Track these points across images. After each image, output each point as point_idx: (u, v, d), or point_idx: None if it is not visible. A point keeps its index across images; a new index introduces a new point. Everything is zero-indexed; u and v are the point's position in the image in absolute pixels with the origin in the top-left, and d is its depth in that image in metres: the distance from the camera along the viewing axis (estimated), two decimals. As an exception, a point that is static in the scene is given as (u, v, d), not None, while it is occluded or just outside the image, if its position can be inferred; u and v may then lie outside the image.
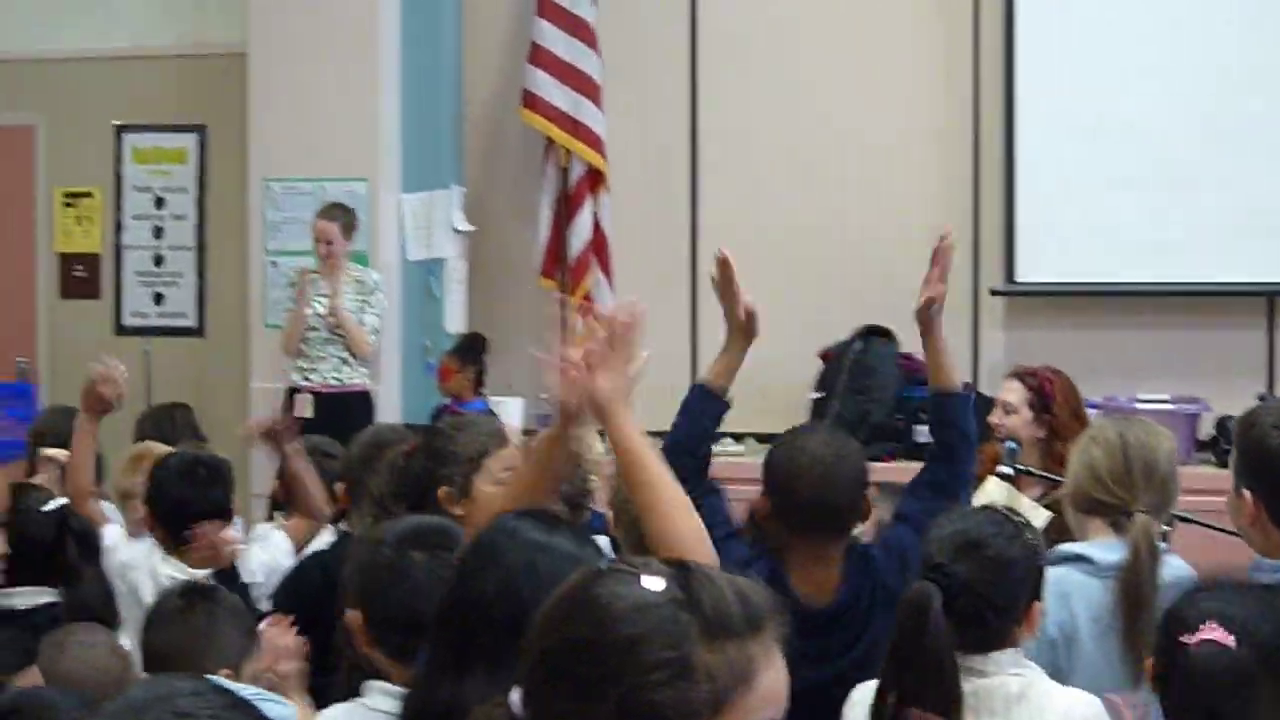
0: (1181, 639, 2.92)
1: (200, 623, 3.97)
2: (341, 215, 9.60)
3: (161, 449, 5.64)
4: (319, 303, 9.51)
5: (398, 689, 3.29)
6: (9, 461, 6.96)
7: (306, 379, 9.48)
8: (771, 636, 1.99)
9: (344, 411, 9.12)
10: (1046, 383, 6.44)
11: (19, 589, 4.64)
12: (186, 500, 4.91)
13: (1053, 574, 3.79)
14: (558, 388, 3.10)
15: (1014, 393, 6.42)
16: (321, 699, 3.99)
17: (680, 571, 2.02)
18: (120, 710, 1.88)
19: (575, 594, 2.04)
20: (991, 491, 5.84)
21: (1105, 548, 4.05)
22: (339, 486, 5.35)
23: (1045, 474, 5.93)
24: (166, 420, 6.71)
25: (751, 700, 1.95)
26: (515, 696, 2.05)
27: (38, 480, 5.63)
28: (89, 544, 4.61)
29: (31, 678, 3.84)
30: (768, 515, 4.19)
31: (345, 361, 9.50)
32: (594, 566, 2.10)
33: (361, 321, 9.50)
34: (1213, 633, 2.89)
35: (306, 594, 4.66)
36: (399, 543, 3.49)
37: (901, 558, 4.13)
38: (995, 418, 6.44)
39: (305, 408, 9.33)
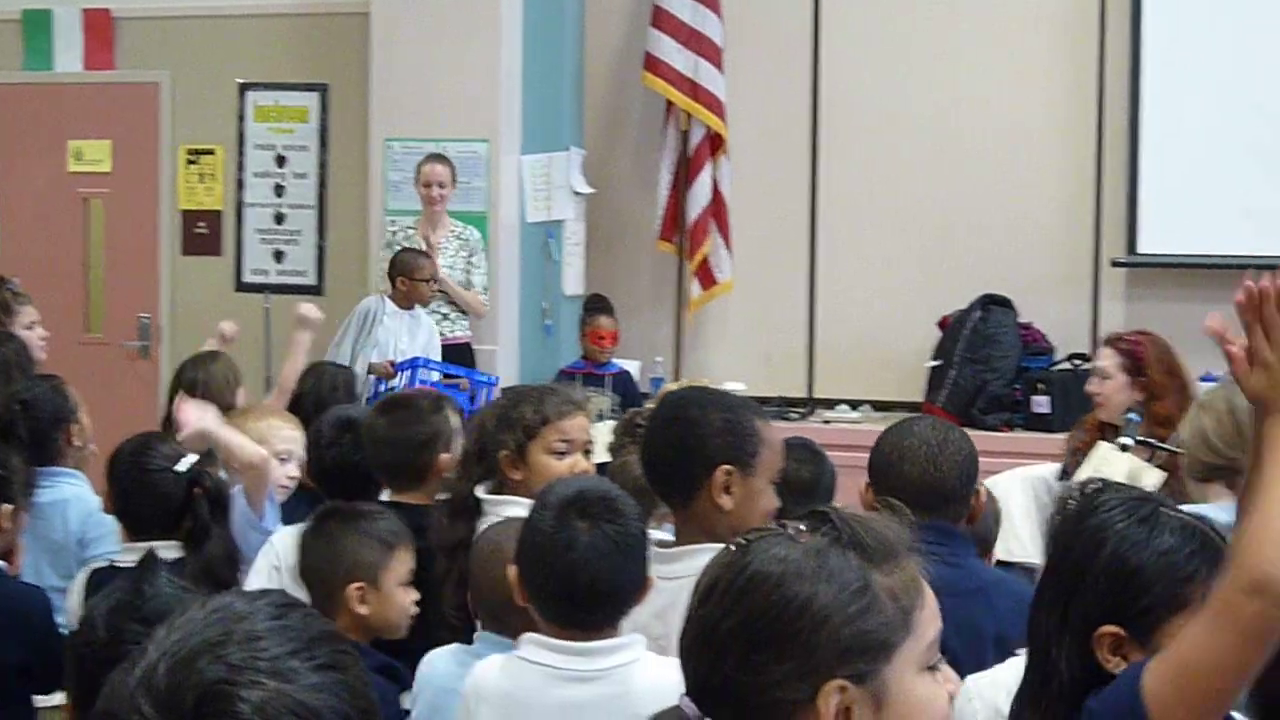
0: None
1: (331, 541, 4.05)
2: (450, 163, 9.64)
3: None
4: None
5: (550, 640, 3.28)
6: None
7: None
8: (918, 555, 2.10)
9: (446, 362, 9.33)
10: (1138, 346, 6.58)
11: (142, 544, 4.44)
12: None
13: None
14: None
15: (1107, 359, 6.60)
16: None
17: (820, 519, 2.09)
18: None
19: (734, 573, 2.06)
20: (1112, 460, 5.86)
21: (1222, 509, 3.91)
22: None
23: (1161, 444, 5.92)
24: (326, 380, 6.64)
25: (927, 613, 2.06)
26: (687, 702, 2.05)
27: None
28: (220, 504, 4.55)
29: None
30: (872, 503, 3.90)
31: (446, 316, 9.57)
32: (730, 545, 2.12)
33: (470, 284, 9.56)
34: None
35: None
36: (561, 509, 3.35)
37: None
38: (1092, 386, 6.65)
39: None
